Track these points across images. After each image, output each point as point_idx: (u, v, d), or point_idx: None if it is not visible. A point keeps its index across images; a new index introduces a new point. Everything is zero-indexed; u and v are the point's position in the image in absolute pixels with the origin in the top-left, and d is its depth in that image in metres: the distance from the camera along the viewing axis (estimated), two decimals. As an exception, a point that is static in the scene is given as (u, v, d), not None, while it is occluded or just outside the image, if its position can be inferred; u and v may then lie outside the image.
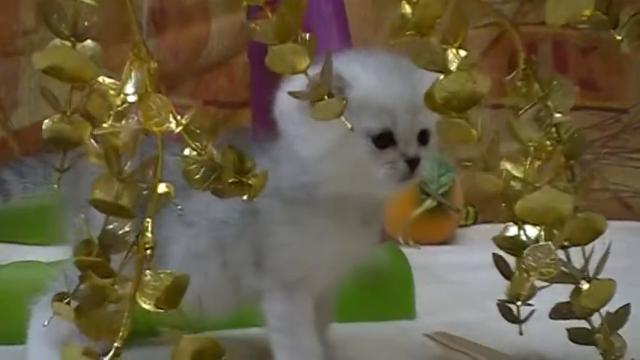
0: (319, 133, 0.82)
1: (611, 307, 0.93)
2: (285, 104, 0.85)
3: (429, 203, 1.82)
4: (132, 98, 0.79)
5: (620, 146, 2.19)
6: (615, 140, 2.19)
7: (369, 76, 0.83)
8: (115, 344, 0.79)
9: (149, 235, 0.80)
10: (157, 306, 0.79)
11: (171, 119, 0.78)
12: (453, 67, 0.86)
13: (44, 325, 0.80)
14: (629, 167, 2.18)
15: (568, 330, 0.94)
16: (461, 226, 2.02)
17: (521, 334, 1.01)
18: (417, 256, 1.29)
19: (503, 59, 2.12)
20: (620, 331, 0.92)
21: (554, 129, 0.91)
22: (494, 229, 1.08)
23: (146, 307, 0.79)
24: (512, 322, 1.05)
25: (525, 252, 0.91)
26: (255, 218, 0.87)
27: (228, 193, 0.81)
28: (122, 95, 0.80)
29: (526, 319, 1.04)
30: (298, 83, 0.79)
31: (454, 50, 0.86)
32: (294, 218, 0.86)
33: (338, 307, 1.09)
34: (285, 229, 0.86)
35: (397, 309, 1.15)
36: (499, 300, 1.08)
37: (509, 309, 1.07)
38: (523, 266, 1.00)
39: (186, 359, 0.77)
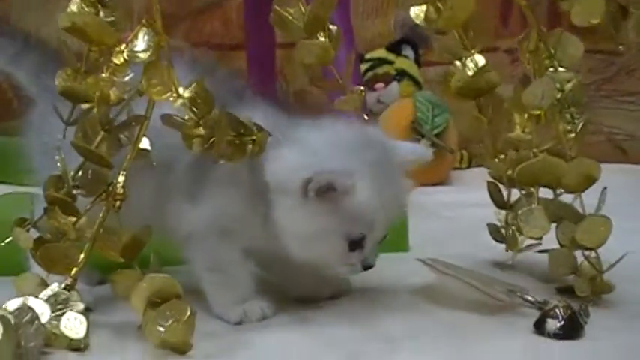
0: (307, 218, 0.85)
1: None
2: (286, 177, 0.85)
3: (423, 144, 1.83)
4: (142, 55, 0.82)
5: (614, 89, 2.19)
6: (609, 83, 2.19)
7: (366, 185, 0.85)
8: (69, 279, 0.83)
9: (120, 188, 0.84)
10: (115, 256, 0.83)
11: (174, 91, 0.81)
12: (470, 72, 0.99)
13: None
14: (623, 110, 2.19)
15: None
16: (455, 169, 2.04)
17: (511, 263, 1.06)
18: (412, 195, 1.29)
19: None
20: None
21: (558, 84, 0.97)
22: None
23: (105, 255, 0.84)
24: (500, 242, 1.12)
25: (519, 213, 0.95)
26: (209, 161, 0.86)
27: (229, 156, 0.83)
28: (125, 53, 0.82)
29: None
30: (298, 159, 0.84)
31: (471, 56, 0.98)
32: (248, 193, 0.87)
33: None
34: (232, 189, 0.87)
35: (392, 242, 1.16)
36: (490, 223, 1.12)
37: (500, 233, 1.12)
38: (513, 227, 1.06)
39: (144, 298, 0.80)
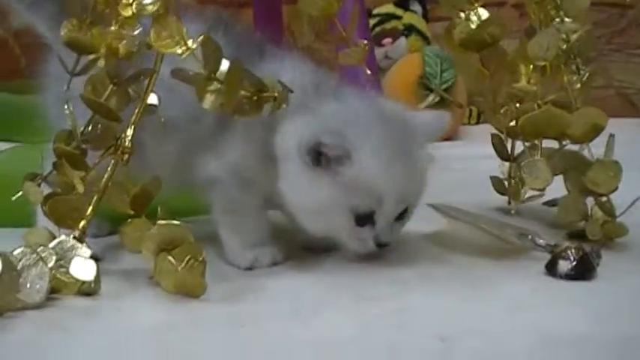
0: (309, 188, 0.84)
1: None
2: (291, 144, 0.85)
3: (431, 98, 1.82)
4: (150, 7, 0.81)
5: (624, 42, 2.17)
6: (620, 37, 2.17)
7: (370, 156, 0.83)
8: (76, 232, 0.83)
9: (128, 142, 0.84)
10: (124, 208, 0.84)
11: (182, 44, 0.81)
12: (473, 25, 0.98)
13: None
14: (634, 64, 2.17)
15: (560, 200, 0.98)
16: (464, 125, 2.03)
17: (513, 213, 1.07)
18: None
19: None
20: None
21: (564, 35, 0.96)
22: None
23: (115, 207, 0.84)
24: (502, 194, 1.13)
25: (522, 164, 0.95)
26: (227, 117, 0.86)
27: (245, 111, 0.83)
28: (134, 5, 0.82)
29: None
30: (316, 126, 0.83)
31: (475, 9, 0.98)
32: (262, 151, 0.87)
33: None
34: (249, 144, 0.87)
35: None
36: (493, 176, 1.13)
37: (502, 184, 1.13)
38: (515, 179, 1.07)
39: (155, 245, 0.80)
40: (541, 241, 0.90)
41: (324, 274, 0.88)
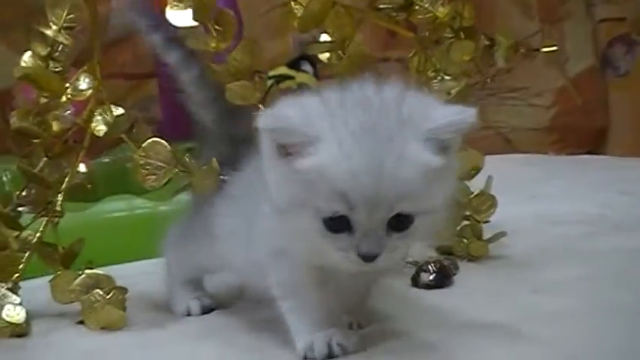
0: (282, 186, 0.72)
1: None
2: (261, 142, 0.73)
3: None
4: (84, 93, 0.96)
5: (497, 87, 2.37)
6: (493, 82, 2.37)
7: (331, 143, 0.68)
8: (9, 284, 0.95)
9: (58, 207, 0.98)
10: (54, 265, 0.96)
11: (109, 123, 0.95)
12: None
13: None
14: (507, 105, 2.38)
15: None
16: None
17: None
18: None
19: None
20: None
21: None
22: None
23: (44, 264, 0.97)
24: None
25: None
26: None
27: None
28: (69, 91, 0.97)
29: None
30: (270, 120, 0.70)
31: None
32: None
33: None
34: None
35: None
36: None
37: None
38: None
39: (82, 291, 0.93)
40: (409, 258, 1.06)
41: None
